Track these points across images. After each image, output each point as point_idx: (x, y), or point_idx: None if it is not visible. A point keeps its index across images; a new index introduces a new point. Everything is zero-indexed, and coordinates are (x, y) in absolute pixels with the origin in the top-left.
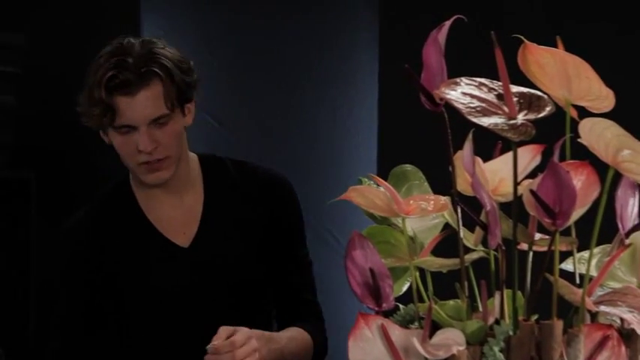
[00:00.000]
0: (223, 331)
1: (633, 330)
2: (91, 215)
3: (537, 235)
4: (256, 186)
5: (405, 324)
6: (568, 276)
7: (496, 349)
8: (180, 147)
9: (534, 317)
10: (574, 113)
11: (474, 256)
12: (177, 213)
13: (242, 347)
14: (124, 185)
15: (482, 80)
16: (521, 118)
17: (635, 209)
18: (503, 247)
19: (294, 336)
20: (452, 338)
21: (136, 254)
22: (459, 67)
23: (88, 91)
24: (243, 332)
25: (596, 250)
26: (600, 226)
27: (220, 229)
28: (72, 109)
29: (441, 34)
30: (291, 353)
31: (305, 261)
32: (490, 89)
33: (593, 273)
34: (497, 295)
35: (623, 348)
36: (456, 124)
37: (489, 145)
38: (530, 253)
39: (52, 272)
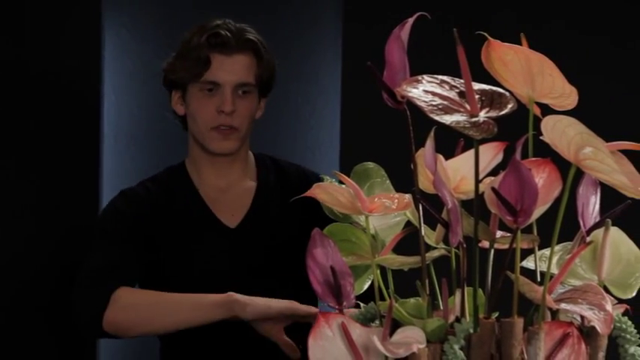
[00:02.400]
0: None
1: (593, 327)
2: (146, 186)
3: (499, 233)
4: (307, 187)
5: (366, 322)
6: (529, 274)
7: (456, 347)
8: (248, 128)
9: (495, 315)
10: (537, 111)
11: (436, 254)
12: (228, 197)
13: None
14: (181, 167)
15: (444, 78)
16: (483, 115)
17: (597, 207)
18: (465, 245)
19: None
20: (412, 336)
21: (185, 226)
22: (422, 64)
23: (186, 47)
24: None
25: (557, 247)
26: (562, 224)
27: (267, 216)
28: (22, 105)
29: (404, 31)
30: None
31: None
32: (452, 87)
33: (554, 271)
34: (458, 293)
35: (584, 345)
36: (418, 121)
37: (451, 142)
38: (492, 251)
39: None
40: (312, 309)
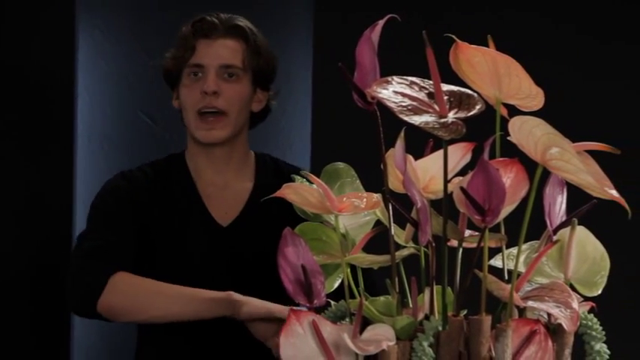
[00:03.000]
0: None
1: (560, 325)
2: (145, 171)
3: (467, 232)
4: None
5: (336, 320)
6: (497, 272)
7: (425, 344)
8: (239, 115)
9: (463, 313)
10: (504, 112)
11: (405, 252)
12: (224, 194)
13: None
14: (180, 157)
15: (414, 79)
16: (451, 116)
17: (563, 206)
18: (434, 244)
19: None
20: (382, 334)
21: (178, 218)
22: (392, 65)
23: (177, 39)
24: None
25: (524, 246)
26: (529, 223)
27: (260, 218)
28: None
29: (375, 33)
30: None
31: None
32: (421, 88)
33: (522, 269)
34: (427, 291)
35: (550, 342)
36: (388, 122)
37: (421, 143)
38: (460, 250)
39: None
40: (270, 309)
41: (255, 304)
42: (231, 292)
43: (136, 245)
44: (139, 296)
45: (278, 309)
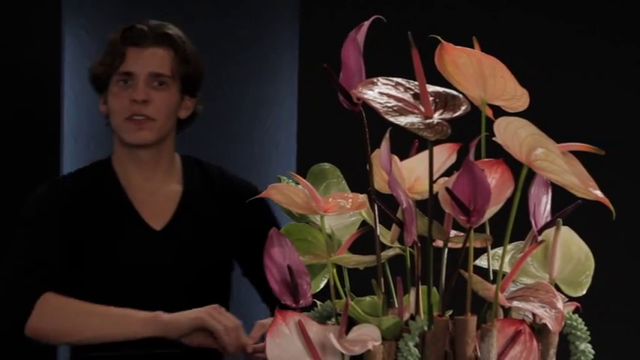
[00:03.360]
0: (258, 328)
1: (545, 325)
2: (74, 179)
3: (452, 233)
4: (231, 192)
5: (323, 320)
6: (482, 272)
7: (411, 344)
8: (167, 121)
9: (449, 313)
10: (489, 112)
11: (391, 253)
12: (155, 199)
13: None
14: (107, 163)
15: (399, 80)
16: (437, 117)
17: (548, 207)
18: (419, 244)
19: None
20: (368, 334)
21: (111, 225)
22: (378, 66)
23: (106, 46)
24: None
25: (509, 246)
26: (514, 224)
27: (193, 220)
28: None
29: (360, 34)
30: None
31: None
32: (406, 89)
33: (507, 269)
34: (412, 292)
35: (535, 342)
36: (374, 123)
37: (406, 143)
38: (446, 250)
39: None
40: (218, 326)
41: (181, 323)
42: (160, 313)
43: (66, 258)
44: (68, 319)
45: (204, 316)
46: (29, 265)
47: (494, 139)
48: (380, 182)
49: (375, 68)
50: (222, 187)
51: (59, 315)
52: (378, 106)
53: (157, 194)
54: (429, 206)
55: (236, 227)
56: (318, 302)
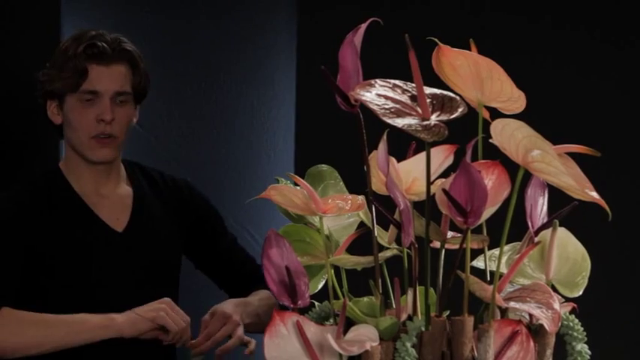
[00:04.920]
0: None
1: (542, 325)
2: (24, 190)
3: (449, 234)
4: (170, 190)
5: (320, 321)
6: (479, 273)
7: (408, 344)
8: (125, 135)
9: (446, 313)
10: (486, 114)
11: (388, 254)
12: (110, 201)
13: (219, 332)
14: (55, 172)
15: (397, 82)
16: (434, 119)
17: (545, 208)
18: (416, 245)
19: (262, 297)
20: (365, 334)
21: (71, 232)
22: (376, 68)
23: (62, 57)
24: (217, 317)
25: (506, 247)
26: (510, 225)
27: (149, 219)
28: None
29: (357, 36)
30: (265, 312)
31: (234, 241)
32: (404, 91)
33: (504, 270)
34: (410, 292)
35: (532, 343)
36: (371, 124)
37: (403, 145)
38: (443, 251)
39: None
40: (173, 326)
41: (140, 324)
42: (113, 316)
43: (24, 271)
44: (27, 332)
45: (162, 316)
46: None
47: (491, 140)
48: (377, 184)
49: (373, 70)
50: (165, 187)
51: (16, 330)
52: (375, 107)
53: (110, 197)
54: (426, 207)
55: (182, 222)
56: (316, 303)
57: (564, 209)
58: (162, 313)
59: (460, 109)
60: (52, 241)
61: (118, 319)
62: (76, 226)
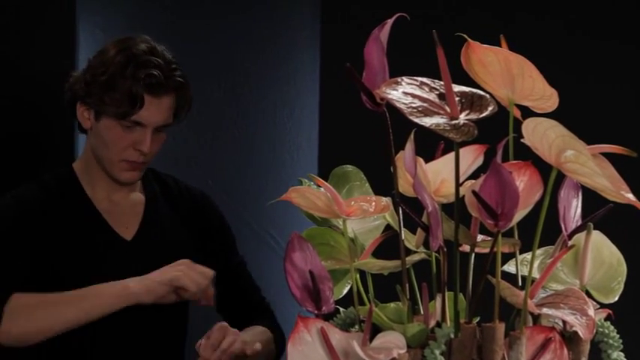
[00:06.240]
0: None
1: (576, 333)
2: (35, 190)
3: (479, 237)
4: (185, 200)
5: (346, 327)
6: (510, 278)
7: (437, 352)
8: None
9: (476, 320)
10: (517, 113)
11: (416, 258)
12: (120, 209)
13: (225, 341)
14: (70, 174)
15: (424, 80)
16: (463, 118)
17: (578, 210)
18: (445, 249)
19: (256, 332)
20: (392, 341)
21: (80, 237)
22: (402, 66)
23: (115, 76)
24: (217, 329)
25: (538, 251)
26: (543, 228)
27: (158, 228)
28: None
29: (383, 32)
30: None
31: (243, 264)
32: (432, 89)
33: (536, 275)
34: (438, 298)
35: (566, 351)
36: (398, 124)
37: (431, 145)
38: (472, 255)
39: None
40: (192, 286)
41: (156, 288)
42: (128, 284)
43: (32, 269)
44: (40, 314)
45: (180, 277)
46: None
47: (522, 140)
48: (404, 185)
49: (399, 67)
50: (179, 194)
51: (30, 312)
52: (402, 106)
53: (121, 204)
54: (455, 210)
55: (192, 232)
56: (341, 309)
57: (599, 212)
58: (179, 273)
59: (490, 108)
60: (58, 245)
61: (133, 287)
62: (84, 231)
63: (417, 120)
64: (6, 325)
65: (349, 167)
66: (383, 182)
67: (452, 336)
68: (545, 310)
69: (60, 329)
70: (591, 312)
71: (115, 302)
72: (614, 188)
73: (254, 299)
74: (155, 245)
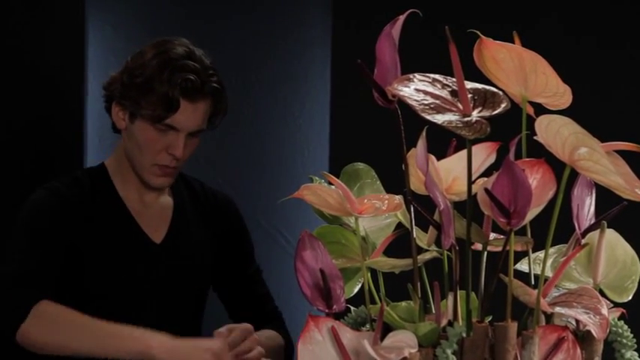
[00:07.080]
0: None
1: (589, 332)
2: (69, 186)
3: (492, 235)
4: (210, 204)
5: (357, 326)
6: (523, 277)
7: (449, 351)
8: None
9: (488, 319)
10: (530, 110)
11: (427, 256)
12: (151, 211)
13: (243, 344)
14: (102, 173)
15: (436, 76)
16: (475, 115)
17: (592, 209)
18: (457, 248)
19: (270, 336)
20: (404, 340)
21: (110, 236)
22: (414, 62)
23: (152, 80)
24: (240, 329)
25: (551, 250)
26: (556, 226)
27: (186, 232)
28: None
29: (395, 28)
30: (268, 352)
31: (259, 272)
32: (444, 85)
33: (549, 274)
34: (450, 297)
35: (579, 350)
36: (410, 121)
37: (443, 142)
38: (485, 254)
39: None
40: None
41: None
42: (151, 343)
43: (63, 266)
44: (61, 330)
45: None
46: (27, 271)
47: (535, 137)
48: (416, 183)
49: (411, 64)
50: (205, 199)
51: (52, 326)
52: (414, 103)
53: (152, 207)
54: (467, 208)
55: (214, 236)
56: (352, 307)
57: (613, 210)
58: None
59: (503, 105)
60: (91, 242)
61: (156, 351)
62: (116, 231)
63: (429, 117)
64: (27, 327)
65: (360, 165)
66: (394, 180)
67: (464, 335)
68: (558, 309)
69: (73, 353)
70: (605, 311)
71: (133, 355)
72: (628, 186)
73: (266, 308)
74: (182, 250)
